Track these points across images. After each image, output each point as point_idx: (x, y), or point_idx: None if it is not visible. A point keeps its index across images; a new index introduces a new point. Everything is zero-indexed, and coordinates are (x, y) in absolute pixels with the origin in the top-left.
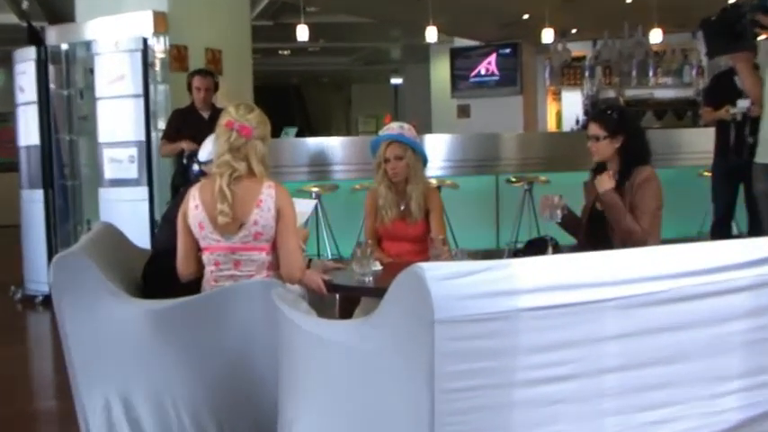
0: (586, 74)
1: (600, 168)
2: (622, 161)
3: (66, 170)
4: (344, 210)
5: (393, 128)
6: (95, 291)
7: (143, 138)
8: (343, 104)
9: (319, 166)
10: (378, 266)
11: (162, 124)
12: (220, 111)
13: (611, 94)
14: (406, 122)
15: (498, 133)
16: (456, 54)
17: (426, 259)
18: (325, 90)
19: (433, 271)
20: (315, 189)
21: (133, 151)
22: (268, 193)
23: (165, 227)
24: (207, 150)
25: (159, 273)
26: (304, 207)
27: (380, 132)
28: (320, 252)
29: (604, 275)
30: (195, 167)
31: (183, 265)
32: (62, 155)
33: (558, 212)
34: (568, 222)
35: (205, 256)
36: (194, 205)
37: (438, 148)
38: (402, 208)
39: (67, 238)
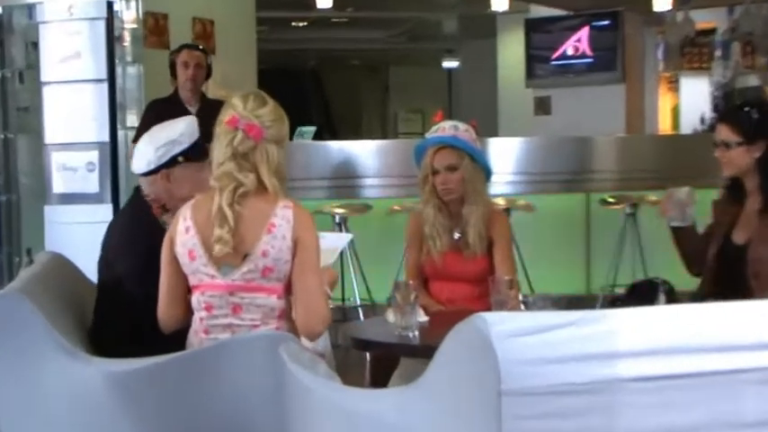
0: (717, 53)
1: (734, 186)
2: (764, 177)
3: None
4: (378, 239)
5: (445, 128)
6: (38, 345)
7: (106, 138)
8: (379, 96)
9: (345, 179)
10: (423, 317)
11: (133, 120)
12: (213, 104)
13: (753, 81)
14: (462, 121)
15: (590, 137)
16: (533, 27)
17: (489, 308)
18: (354, 76)
19: (499, 325)
20: (338, 211)
21: (92, 156)
22: (283, 216)
23: (116, 253)
24: (144, 156)
25: (118, 319)
26: (334, 242)
27: (427, 134)
28: (345, 296)
29: (742, 336)
30: None
31: (165, 310)
32: None
33: (689, 211)
34: (686, 239)
35: (194, 298)
36: (184, 227)
37: (506, 156)
38: (456, 237)
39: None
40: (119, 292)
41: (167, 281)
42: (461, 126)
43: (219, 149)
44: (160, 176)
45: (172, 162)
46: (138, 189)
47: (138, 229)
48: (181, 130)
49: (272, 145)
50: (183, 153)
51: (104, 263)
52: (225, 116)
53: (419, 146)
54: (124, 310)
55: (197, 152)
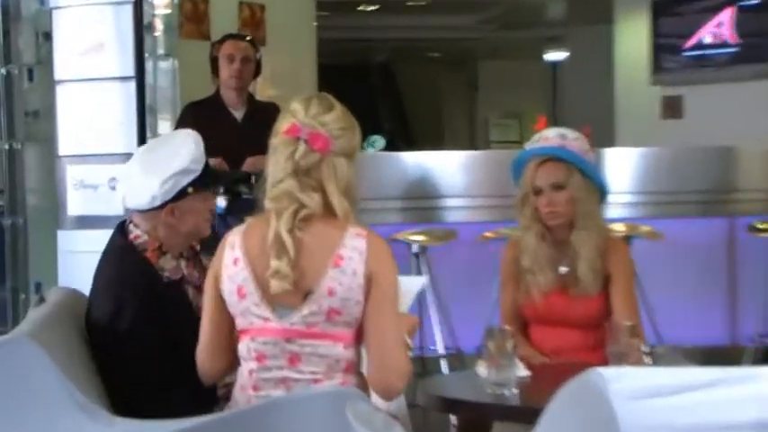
0: None
1: None
2: None
3: (1, 201)
4: (466, 273)
5: (549, 137)
6: (51, 401)
7: (134, 149)
8: (465, 96)
9: (424, 199)
10: (523, 371)
11: (166, 127)
12: (262, 107)
13: None
14: (570, 128)
15: (734, 146)
16: (661, 9)
17: (606, 361)
18: (435, 72)
19: (619, 382)
20: (416, 238)
21: (116, 171)
22: (354, 246)
23: (108, 320)
24: (147, 190)
25: (131, 377)
26: (406, 286)
27: (527, 145)
28: (423, 344)
29: None
30: (220, 203)
31: (208, 360)
32: None
33: None
34: None
35: (243, 345)
36: (232, 259)
37: (626, 171)
38: (563, 271)
39: (2, 312)
40: (122, 356)
41: (211, 326)
42: (570, 134)
43: (277, 165)
44: (164, 212)
45: (181, 194)
46: (121, 228)
47: (128, 290)
48: (191, 156)
49: (342, 158)
50: (193, 183)
51: (95, 327)
52: (283, 125)
53: (518, 159)
54: (135, 369)
55: (207, 179)
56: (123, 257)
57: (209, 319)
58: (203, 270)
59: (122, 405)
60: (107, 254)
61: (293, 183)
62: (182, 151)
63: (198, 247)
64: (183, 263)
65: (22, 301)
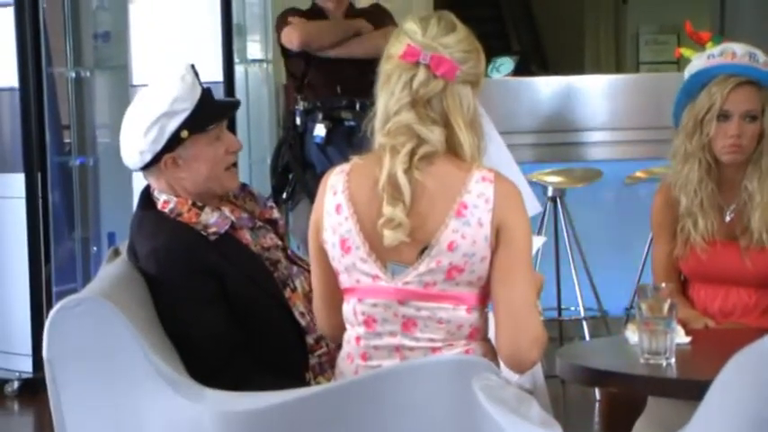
0: None
1: None
2: None
3: (68, 138)
4: (611, 221)
5: (735, 52)
6: (134, 374)
7: (219, 76)
8: (610, 7)
9: (561, 132)
10: (683, 337)
11: (256, 50)
12: (365, 13)
13: None
14: (751, 46)
15: None
16: None
17: None
18: None
19: None
20: (552, 179)
21: None
22: (480, 192)
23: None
24: (133, 146)
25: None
26: None
27: (696, 60)
28: (561, 305)
29: None
30: (319, 131)
31: (323, 316)
32: (59, 108)
33: None
34: None
35: (348, 307)
36: (334, 205)
37: None
38: (729, 218)
39: (71, 267)
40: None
41: (321, 281)
42: (761, 56)
43: (391, 95)
44: (164, 165)
45: (173, 141)
46: (148, 198)
47: (168, 259)
48: (172, 96)
49: (467, 87)
50: (185, 125)
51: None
52: (396, 47)
53: (697, 75)
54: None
55: (205, 118)
56: (159, 230)
57: (317, 273)
58: (255, 199)
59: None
60: (139, 230)
61: (411, 115)
62: (161, 92)
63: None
64: (226, 209)
65: (93, 255)
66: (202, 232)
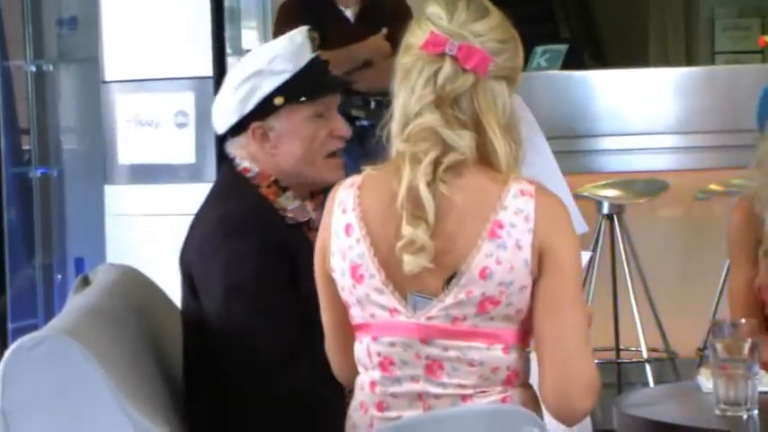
0: None
1: None
2: None
3: (27, 144)
4: (679, 244)
5: None
6: (105, 429)
7: (208, 70)
8: None
9: (617, 137)
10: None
11: (252, 38)
12: (383, 3)
13: None
14: None
15: None
16: None
17: None
18: None
19: None
20: (607, 194)
21: (185, 102)
22: (519, 208)
23: (205, 272)
24: (222, 105)
25: (213, 378)
26: None
27: None
28: (618, 344)
29: None
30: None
31: (337, 357)
32: (16, 109)
33: None
34: None
35: (360, 347)
36: (344, 225)
37: None
38: None
39: (30, 298)
40: (211, 336)
41: (327, 314)
42: None
43: (411, 92)
44: (252, 134)
45: (265, 107)
46: (228, 161)
47: (238, 228)
48: (274, 52)
49: (501, 83)
50: (281, 90)
51: (186, 285)
52: (417, 36)
53: None
54: (220, 364)
55: (307, 86)
56: (234, 194)
57: (325, 307)
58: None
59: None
60: (212, 194)
61: (436, 117)
62: (261, 50)
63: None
64: (309, 204)
65: (57, 283)
66: (279, 212)
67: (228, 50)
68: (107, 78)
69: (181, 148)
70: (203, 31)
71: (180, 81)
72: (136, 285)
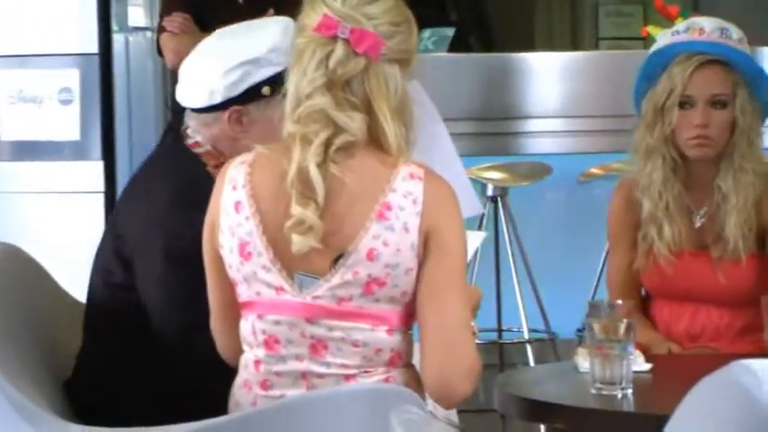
0: None
1: None
2: None
3: None
4: (561, 226)
5: (706, 29)
6: None
7: (94, 47)
8: None
9: (504, 121)
10: (642, 364)
11: (138, 15)
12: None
13: None
14: (729, 23)
15: None
16: None
17: (761, 350)
18: None
19: None
20: (492, 176)
21: (69, 79)
22: (408, 190)
23: (148, 238)
24: (206, 82)
25: (122, 356)
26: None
27: (663, 38)
28: (500, 325)
29: None
30: None
31: (223, 336)
32: None
33: None
34: None
35: (246, 324)
36: (233, 202)
37: None
38: (700, 223)
39: None
40: (134, 311)
41: (213, 292)
42: (734, 32)
43: (301, 74)
44: (228, 116)
45: (251, 94)
46: (173, 131)
47: (192, 194)
48: (272, 43)
49: (395, 66)
50: (271, 80)
51: (114, 255)
52: (311, 17)
53: (658, 53)
54: (141, 339)
55: None
56: (183, 165)
57: (212, 285)
58: None
59: (85, 408)
60: (155, 163)
61: (327, 99)
62: (260, 35)
63: None
64: None
65: None
66: None
67: (114, 27)
68: None
69: (65, 125)
70: (89, 7)
71: (64, 57)
72: (15, 263)
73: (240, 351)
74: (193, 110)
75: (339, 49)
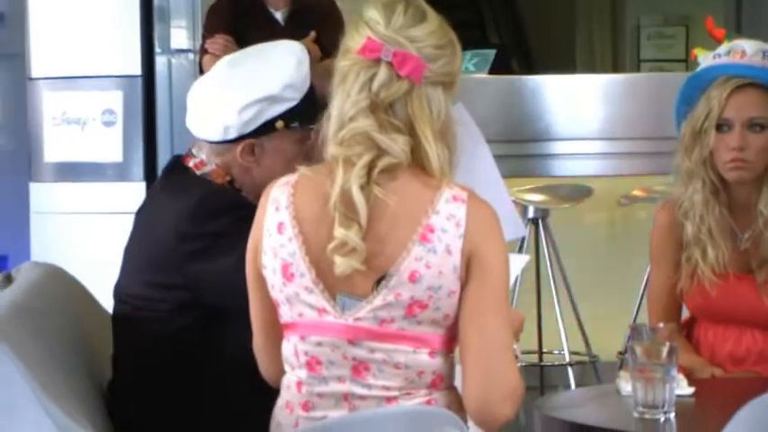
0: None
1: None
2: None
3: None
4: (602, 248)
5: (747, 52)
6: (26, 422)
7: (137, 69)
8: None
9: (544, 142)
10: (685, 387)
11: (182, 38)
12: (314, 6)
13: None
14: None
15: None
16: None
17: None
18: None
19: None
20: (533, 198)
21: (113, 101)
22: (450, 214)
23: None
24: (221, 117)
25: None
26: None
27: (705, 60)
28: (542, 347)
29: None
30: None
31: (265, 358)
32: None
33: None
34: None
35: (288, 346)
36: (276, 224)
37: None
38: (744, 246)
39: None
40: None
41: (256, 312)
42: None
43: (345, 96)
44: (241, 148)
45: (265, 129)
46: (179, 160)
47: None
48: (286, 80)
49: (437, 89)
50: (284, 116)
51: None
52: (354, 40)
53: (697, 76)
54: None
55: (306, 113)
56: (196, 184)
57: (255, 305)
58: None
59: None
60: (166, 186)
61: (370, 122)
62: (274, 72)
63: None
64: None
65: None
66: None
67: (157, 49)
68: (33, 75)
69: (108, 146)
70: (132, 29)
71: (108, 79)
72: (59, 284)
73: (281, 372)
74: (208, 142)
75: (382, 72)
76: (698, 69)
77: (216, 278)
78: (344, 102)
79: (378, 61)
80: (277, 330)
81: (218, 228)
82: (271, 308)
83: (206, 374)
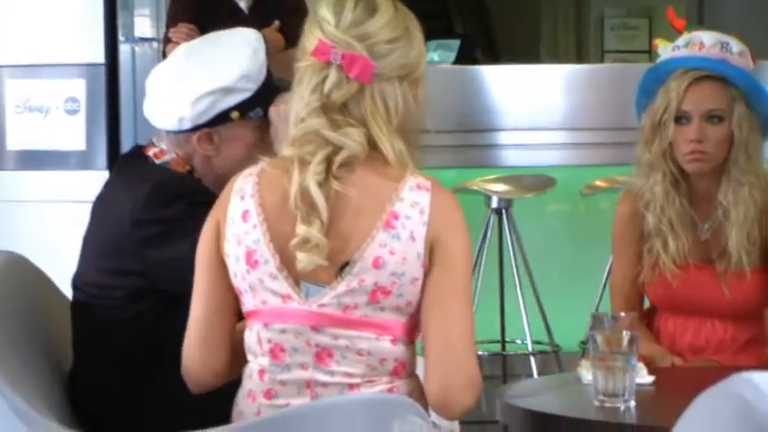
0: None
1: None
2: None
3: None
4: (564, 239)
5: (705, 43)
6: None
7: (100, 57)
8: None
9: (508, 131)
10: (645, 376)
11: (145, 26)
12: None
13: None
14: (731, 36)
15: None
16: None
17: (764, 363)
18: None
19: None
20: (496, 188)
21: (76, 89)
22: (414, 201)
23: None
24: (175, 108)
25: (108, 357)
26: None
27: (664, 52)
28: (505, 337)
29: None
30: None
31: (195, 353)
32: None
33: None
34: None
35: (251, 334)
36: (240, 212)
37: None
38: (704, 236)
39: None
40: (110, 308)
41: (204, 302)
42: (734, 45)
43: (299, 98)
44: (197, 137)
45: (220, 119)
46: (139, 150)
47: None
48: (241, 70)
49: (393, 83)
50: (240, 106)
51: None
52: (309, 40)
53: (655, 69)
54: (122, 338)
55: (263, 102)
56: (155, 171)
57: (202, 297)
58: None
59: (83, 410)
60: (124, 174)
61: (321, 121)
62: (229, 61)
63: None
64: None
65: None
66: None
67: (121, 38)
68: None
69: (71, 134)
70: (96, 17)
71: (71, 67)
72: (21, 272)
73: (215, 371)
74: (166, 131)
75: (333, 75)
76: (657, 61)
77: (171, 264)
78: (298, 103)
79: (328, 62)
80: (223, 323)
81: (173, 213)
82: (223, 296)
83: (163, 360)
